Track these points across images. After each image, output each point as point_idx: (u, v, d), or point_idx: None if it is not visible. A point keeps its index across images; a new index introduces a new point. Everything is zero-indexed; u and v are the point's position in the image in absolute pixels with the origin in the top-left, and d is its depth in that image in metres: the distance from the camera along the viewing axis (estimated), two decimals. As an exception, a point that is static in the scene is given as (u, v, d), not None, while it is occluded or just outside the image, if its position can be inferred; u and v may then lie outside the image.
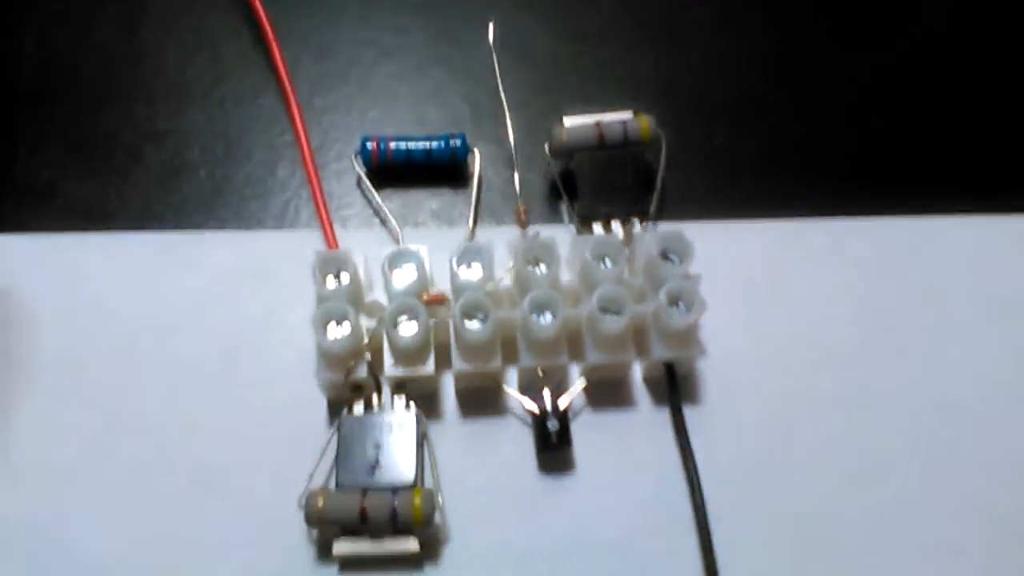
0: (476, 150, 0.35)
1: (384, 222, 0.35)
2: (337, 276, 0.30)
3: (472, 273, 0.31)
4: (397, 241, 0.34)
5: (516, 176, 0.35)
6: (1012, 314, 0.34)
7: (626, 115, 0.35)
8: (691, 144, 0.37)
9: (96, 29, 0.39)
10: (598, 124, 0.34)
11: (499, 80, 0.36)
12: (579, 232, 0.34)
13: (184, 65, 0.38)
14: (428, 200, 0.36)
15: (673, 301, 0.30)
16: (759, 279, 0.34)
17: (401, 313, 0.30)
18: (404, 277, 0.31)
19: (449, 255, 0.31)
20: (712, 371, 0.32)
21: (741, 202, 0.36)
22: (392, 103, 0.38)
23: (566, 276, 0.32)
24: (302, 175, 0.36)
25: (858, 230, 0.35)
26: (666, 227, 0.34)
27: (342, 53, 0.39)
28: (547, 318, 0.30)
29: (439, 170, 0.36)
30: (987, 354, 0.33)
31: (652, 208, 0.34)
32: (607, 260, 0.31)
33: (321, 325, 0.29)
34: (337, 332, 0.30)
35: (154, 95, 0.38)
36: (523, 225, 0.34)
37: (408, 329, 0.30)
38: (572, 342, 0.31)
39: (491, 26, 0.37)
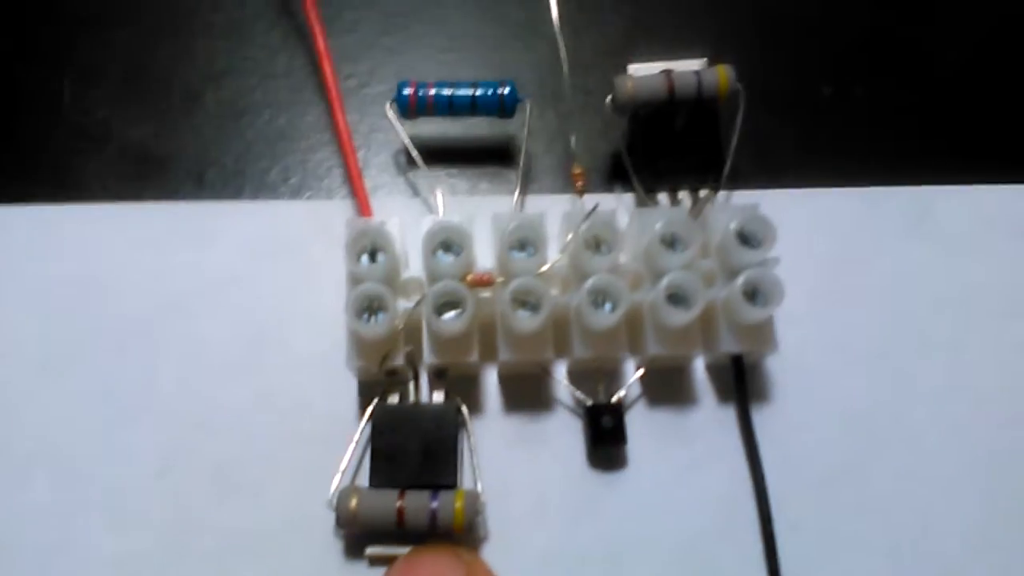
0: (527, 102, 0.31)
1: (419, 191, 0.31)
2: (372, 255, 0.27)
3: (523, 253, 0.27)
4: (437, 209, 0.30)
5: (572, 135, 0.31)
6: None
7: (700, 63, 0.30)
8: (779, 97, 0.33)
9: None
10: (668, 74, 0.30)
11: (555, 20, 0.32)
12: (642, 202, 0.30)
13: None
14: (474, 158, 0.32)
15: (749, 293, 0.27)
16: (835, 255, 0.31)
17: (445, 299, 0.27)
18: (447, 256, 0.27)
19: (497, 227, 0.28)
20: (785, 362, 0.29)
21: (822, 167, 0.32)
22: (449, 56, 0.34)
23: (626, 253, 0.29)
24: (363, 130, 0.32)
25: (949, 198, 0.32)
26: (740, 198, 0.30)
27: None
28: (606, 308, 0.27)
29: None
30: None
31: (724, 176, 0.30)
32: (675, 242, 0.27)
33: (355, 310, 0.26)
34: (372, 317, 0.27)
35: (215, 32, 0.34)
36: (580, 192, 0.30)
37: (452, 317, 0.27)
38: (631, 328, 0.28)
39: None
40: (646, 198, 0.30)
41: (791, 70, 0.34)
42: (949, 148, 0.33)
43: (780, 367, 0.29)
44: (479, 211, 0.29)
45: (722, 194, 0.30)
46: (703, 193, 0.30)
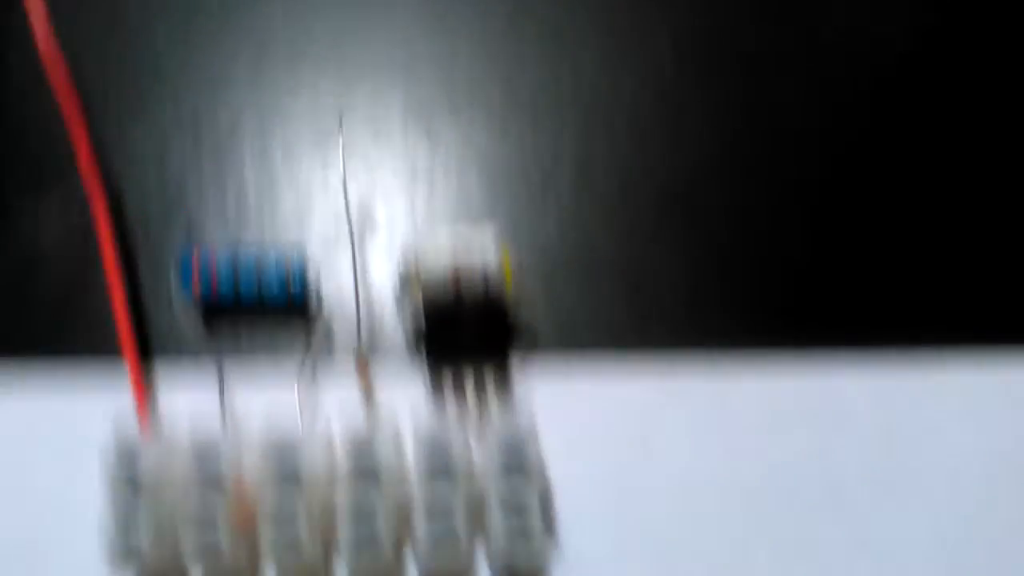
0: (319, 295, 0.31)
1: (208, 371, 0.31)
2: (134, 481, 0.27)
3: (289, 483, 0.27)
4: (224, 414, 0.30)
5: (359, 328, 0.30)
6: (904, 482, 0.30)
7: (490, 257, 0.30)
8: (577, 265, 0.33)
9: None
10: (455, 272, 0.29)
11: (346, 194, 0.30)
12: (430, 398, 0.30)
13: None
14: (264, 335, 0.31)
15: (517, 534, 0.27)
16: (620, 442, 0.31)
17: (202, 549, 0.27)
18: (214, 493, 0.27)
19: (274, 452, 0.27)
20: (569, 567, 0.29)
21: (614, 332, 0.32)
22: (246, 219, 0.33)
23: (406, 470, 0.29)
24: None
25: (746, 382, 0.31)
26: (535, 385, 0.31)
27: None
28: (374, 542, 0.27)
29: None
30: (887, 530, 0.30)
31: (511, 376, 0.30)
32: (447, 473, 0.27)
33: (115, 556, 0.26)
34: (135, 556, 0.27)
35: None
36: (366, 386, 0.30)
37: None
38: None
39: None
40: (435, 392, 0.30)
41: (581, 234, 0.33)
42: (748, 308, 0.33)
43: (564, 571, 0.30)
44: (259, 404, 0.29)
45: (503, 409, 0.30)
46: (485, 396, 0.30)
